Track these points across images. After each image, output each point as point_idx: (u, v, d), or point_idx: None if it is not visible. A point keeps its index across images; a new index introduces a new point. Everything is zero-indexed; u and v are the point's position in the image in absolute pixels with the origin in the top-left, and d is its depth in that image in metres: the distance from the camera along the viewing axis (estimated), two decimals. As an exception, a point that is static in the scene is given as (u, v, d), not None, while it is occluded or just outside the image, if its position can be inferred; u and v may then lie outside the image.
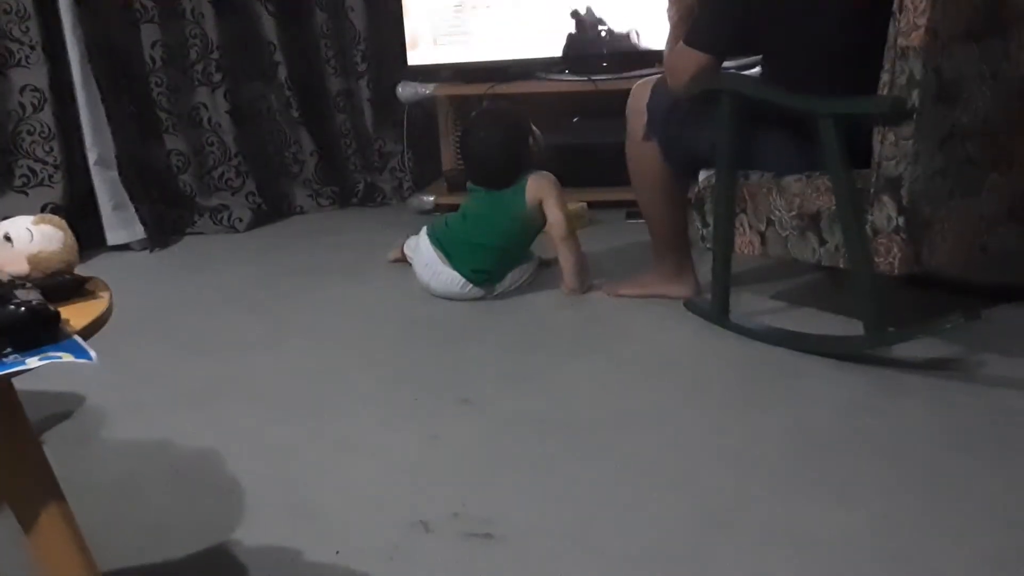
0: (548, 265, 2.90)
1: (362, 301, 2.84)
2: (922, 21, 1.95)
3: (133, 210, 3.46)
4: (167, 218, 3.65)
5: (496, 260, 2.75)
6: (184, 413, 2.16)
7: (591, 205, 3.46)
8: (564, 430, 1.99)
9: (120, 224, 3.48)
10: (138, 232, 3.48)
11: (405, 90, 3.71)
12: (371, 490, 1.80)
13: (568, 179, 2.95)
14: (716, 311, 2.46)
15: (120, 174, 3.45)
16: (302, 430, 2.05)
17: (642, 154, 2.51)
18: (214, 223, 3.70)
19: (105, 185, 3.45)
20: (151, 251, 3.48)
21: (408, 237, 2.99)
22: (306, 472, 1.87)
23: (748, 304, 2.58)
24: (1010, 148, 2.16)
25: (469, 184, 2.87)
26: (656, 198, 2.54)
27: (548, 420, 2.04)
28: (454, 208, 2.95)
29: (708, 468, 1.82)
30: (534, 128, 2.85)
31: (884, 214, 2.10)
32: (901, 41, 1.99)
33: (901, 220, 2.07)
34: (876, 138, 2.08)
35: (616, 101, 2.69)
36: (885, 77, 2.03)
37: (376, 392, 2.23)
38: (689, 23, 2.34)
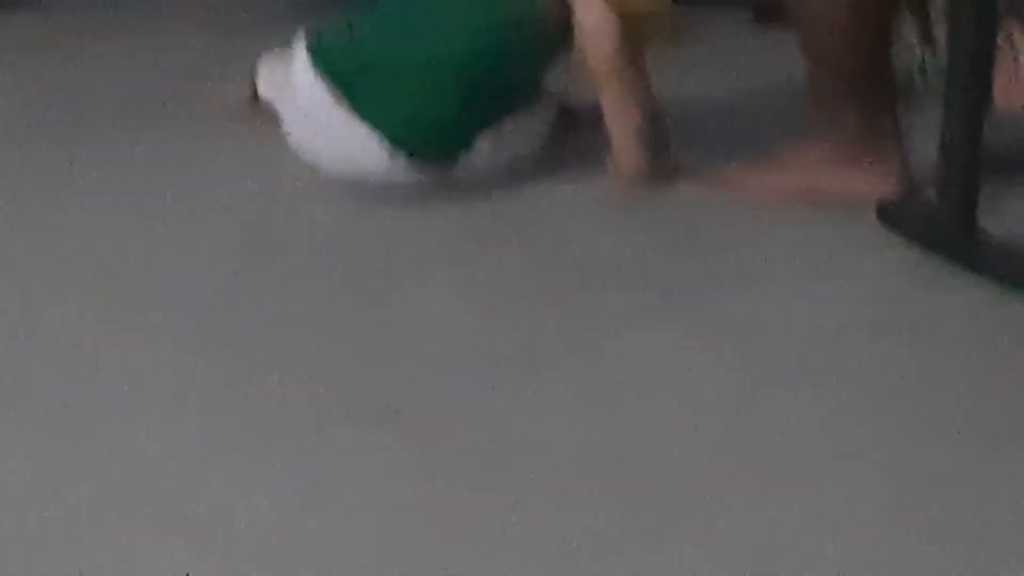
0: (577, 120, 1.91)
1: (191, 192, 1.78)
2: None
3: None
4: None
5: (460, 104, 1.72)
6: None
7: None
8: (601, 480, 1.16)
9: None
10: None
11: None
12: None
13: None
14: (950, 226, 1.64)
15: None
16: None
17: None
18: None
19: None
20: None
21: (261, 60, 1.87)
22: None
23: (1016, 217, 1.66)
24: None
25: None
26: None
27: (568, 456, 1.21)
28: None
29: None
30: None
31: None
32: None
33: None
34: None
35: None
36: None
37: (215, 384, 1.33)
38: None
